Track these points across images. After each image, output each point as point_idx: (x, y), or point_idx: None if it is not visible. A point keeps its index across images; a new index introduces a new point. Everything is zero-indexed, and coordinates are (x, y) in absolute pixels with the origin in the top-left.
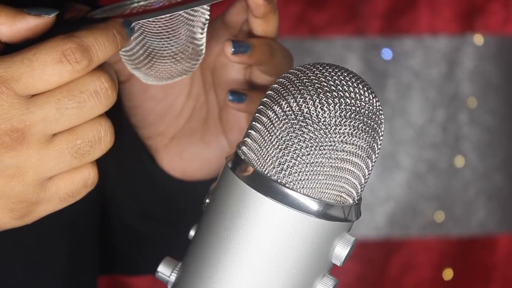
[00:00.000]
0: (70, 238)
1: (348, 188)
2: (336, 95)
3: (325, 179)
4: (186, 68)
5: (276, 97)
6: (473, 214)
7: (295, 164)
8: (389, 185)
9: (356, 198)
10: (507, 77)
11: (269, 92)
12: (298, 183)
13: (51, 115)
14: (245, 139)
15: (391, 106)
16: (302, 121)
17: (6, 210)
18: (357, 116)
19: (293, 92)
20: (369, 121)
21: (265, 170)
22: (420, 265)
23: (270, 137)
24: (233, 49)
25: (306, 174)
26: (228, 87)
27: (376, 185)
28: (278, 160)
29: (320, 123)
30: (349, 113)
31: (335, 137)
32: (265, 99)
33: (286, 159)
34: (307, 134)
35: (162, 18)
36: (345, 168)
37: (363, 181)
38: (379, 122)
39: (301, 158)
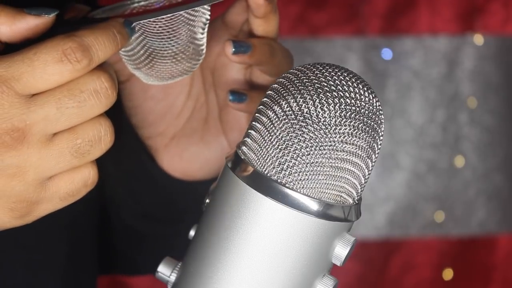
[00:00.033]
0: (69, 237)
1: (348, 188)
2: (336, 95)
3: (325, 179)
4: (187, 68)
5: (276, 97)
6: (473, 214)
7: (295, 164)
8: (389, 185)
9: (356, 198)
10: (507, 77)
11: (269, 92)
12: (298, 183)
13: (52, 115)
14: (245, 139)
15: (391, 106)
16: (302, 121)
17: (6, 210)
18: (357, 116)
19: (293, 92)
20: (369, 121)
21: (265, 170)
22: (420, 265)
23: (270, 137)
24: (233, 49)
25: (306, 174)
26: (228, 87)
27: (376, 185)
28: (278, 160)
29: (320, 123)
30: (349, 113)
31: (335, 137)
32: (265, 99)
33: (286, 159)
34: (307, 134)
35: (162, 18)
36: (345, 168)
37: (363, 181)
38: (379, 122)
39: (301, 158)
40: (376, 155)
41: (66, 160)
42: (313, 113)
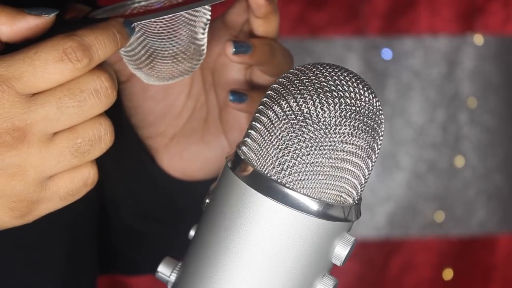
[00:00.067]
0: (69, 237)
1: (348, 188)
2: (336, 95)
3: (325, 179)
4: (188, 68)
5: (276, 97)
6: (473, 214)
7: (295, 164)
8: (389, 185)
9: (356, 198)
10: (507, 77)
11: (269, 92)
12: (298, 183)
13: (52, 114)
14: (245, 139)
15: (391, 106)
16: (302, 121)
17: (6, 209)
18: (357, 116)
19: (293, 92)
20: (369, 121)
21: (265, 170)
22: (420, 265)
23: (270, 137)
24: (234, 49)
25: (306, 174)
26: (229, 87)
27: (376, 185)
28: (278, 160)
29: (320, 123)
30: (349, 113)
31: (335, 137)
32: (265, 99)
33: (286, 159)
34: (307, 134)
35: (163, 19)
36: (345, 168)
37: (363, 181)
38: (379, 122)
39: (301, 158)
40: (376, 155)
41: (66, 159)
42: (313, 113)
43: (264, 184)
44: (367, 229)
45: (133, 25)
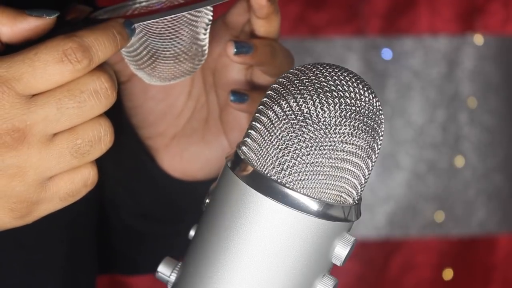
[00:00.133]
0: (69, 237)
1: (348, 188)
2: (336, 95)
3: (325, 179)
4: (189, 69)
5: (276, 97)
6: (473, 214)
7: (295, 164)
8: (389, 185)
9: (356, 198)
10: (507, 77)
11: (269, 92)
12: (298, 183)
13: (52, 115)
14: (245, 139)
15: (391, 106)
16: (302, 121)
17: (6, 210)
18: (357, 116)
19: (293, 92)
20: (369, 121)
21: (265, 170)
22: (420, 265)
23: (270, 137)
24: (235, 50)
25: (306, 174)
26: (229, 87)
27: (376, 185)
28: (278, 160)
29: (320, 123)
30: (349, 113)
31: (335, 137)
32: (265, 99)
33: (286, 159)
34: (307, 134)
35: (165, 19)
36: (345, 168)
37: (363, 181)
38: (379, 122)
39: (301, 158)
40: (376, 155)
41: (66, 160)
42: (313, 113)
43: (264, 184)
44: (367, 229)
45: (133, 25)
